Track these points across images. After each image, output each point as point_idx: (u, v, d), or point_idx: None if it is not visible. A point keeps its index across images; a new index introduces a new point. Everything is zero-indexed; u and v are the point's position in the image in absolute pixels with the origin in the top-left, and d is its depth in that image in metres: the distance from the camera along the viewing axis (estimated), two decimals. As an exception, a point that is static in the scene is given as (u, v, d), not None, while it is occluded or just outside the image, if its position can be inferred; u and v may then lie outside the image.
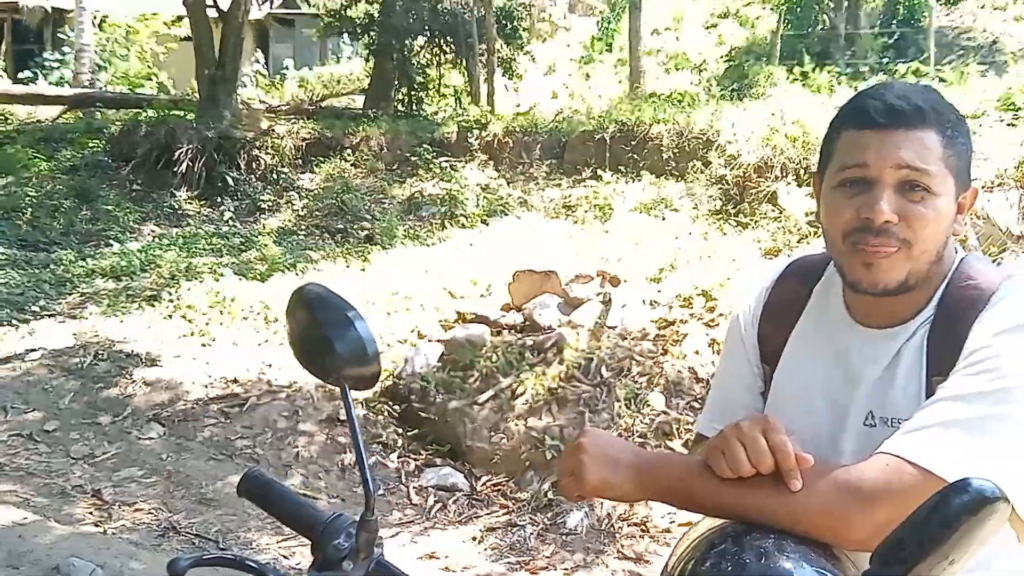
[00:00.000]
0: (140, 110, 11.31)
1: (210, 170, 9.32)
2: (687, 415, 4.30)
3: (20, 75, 15.86)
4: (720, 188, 7.55)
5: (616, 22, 15.97)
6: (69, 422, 4.66)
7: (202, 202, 9.26)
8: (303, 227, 8.59)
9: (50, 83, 15.09)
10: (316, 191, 9.32)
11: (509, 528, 4.00)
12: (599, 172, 8.56)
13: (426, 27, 12.49)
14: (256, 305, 5.97)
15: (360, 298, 5.87)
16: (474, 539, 3.94)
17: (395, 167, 9.75)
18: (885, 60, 11.92)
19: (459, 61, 12.67)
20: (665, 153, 8.32)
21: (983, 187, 5.64)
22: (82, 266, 7.18)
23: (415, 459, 4.61)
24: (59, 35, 16.68)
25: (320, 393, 4.88)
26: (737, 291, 4.86)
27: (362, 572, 0.95)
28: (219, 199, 9.28)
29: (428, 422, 4.77)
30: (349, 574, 0.94)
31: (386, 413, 4.87)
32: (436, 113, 11.86)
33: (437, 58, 12.73)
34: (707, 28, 15.43)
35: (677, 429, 4.26)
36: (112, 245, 7.94)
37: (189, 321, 5.85)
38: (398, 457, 4.60)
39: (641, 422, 4.31)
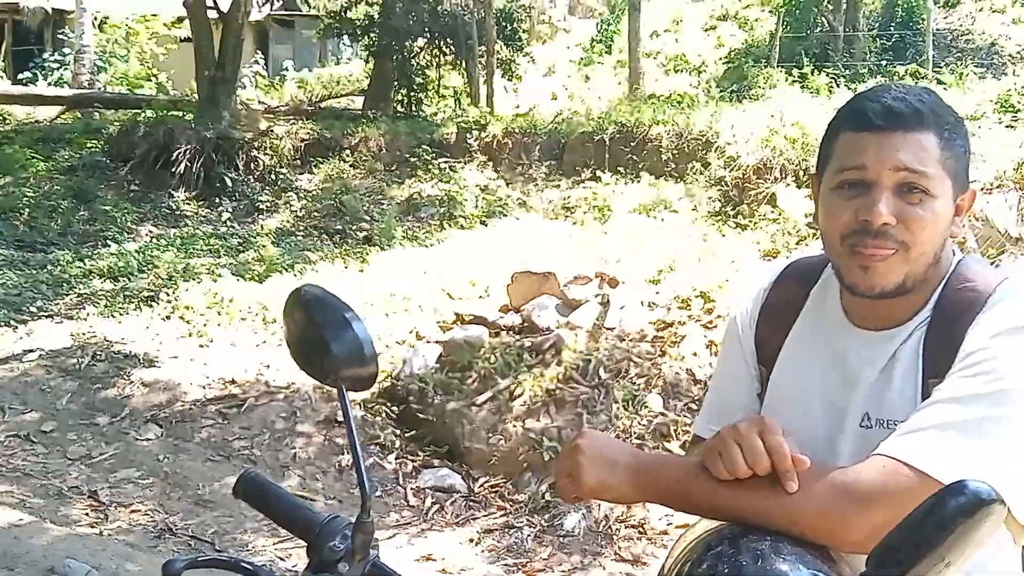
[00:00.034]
0: (139, 111, 11.30)
1: (208, 171, 9.31)
2: (685, 416, 4.30)
3: (20, 76, 15.86)
4: (719, 189, 7.55)
5: (615, 24, 15.99)
6: (66, 423, 4.65)
7: (200, 203, 9.25)
8: (301, 228, 8.59)
9: (50, 84, 15.09)
10: (315, 192, 9.32)
11: (506, 530, 4.00)
12: (598, 173, 8.56)
13: (426, 29, 12.50)
14: (254, 306, 5.97)
15: (358, 299, 5.86)
16: (471, 541, 3.94)
17: (394, 168, 9.75)
18: (883, 62, 11.93)
19: (459, 63, 12.68)
20: (664, 154, 8.32)
21: (982, 189, 5.65)
22: (80, 267, 7.17)
23: (413, 460, 4.61)
24: (59, 36, 16.68)
25: (318, 394, 4.88)
26: (736, 292, 4.87)
27: (357, 574, 0.95)
28: (217, 200, 9.26)
29: (426, 423, 4.77)
30: (344, 576, 0.94)
31: (384, 414, 4.87)
32: (435, 114, 11.86)
33: (437, 59, 12.74)
34: (706, 30, 15.45)
35: (675, 430, 4.26)
36: (110, 246, 7.93)
37: (187, 322, 5.85)
38: (396, 458, 4.60)
39: (639, 423, 4.31)
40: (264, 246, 7.66)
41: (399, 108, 12.11)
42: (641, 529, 3.86)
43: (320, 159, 9.85)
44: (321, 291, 1.02)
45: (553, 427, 4.40)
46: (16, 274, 7.00)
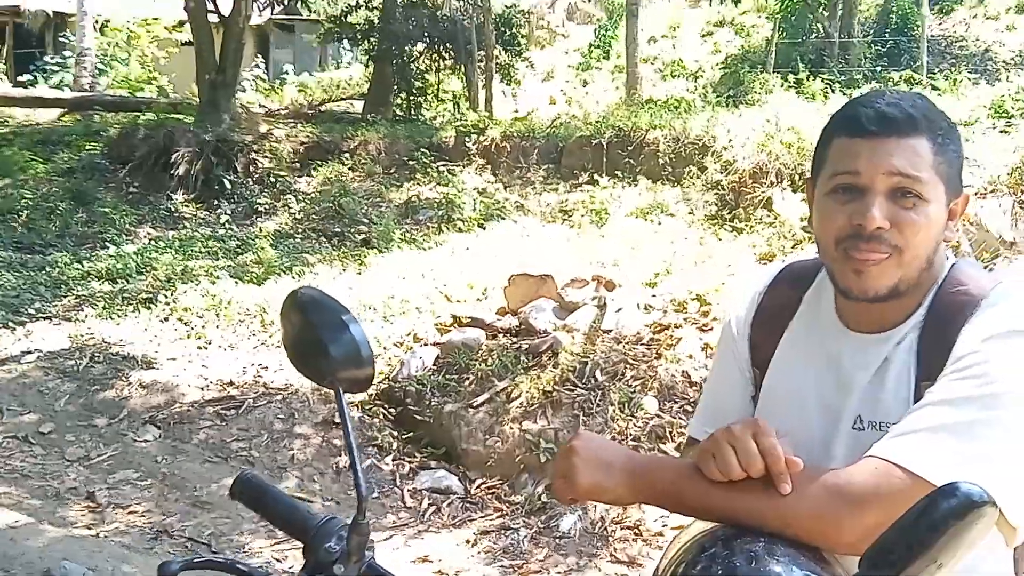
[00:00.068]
0: (139, 113, 11.30)
1: (207, 173, 9.30)
2: (680, 419, 4.31)
3: (21, 78, 15.85)
4: (716, 193, 7.56)
5: (613, 30, 16.02)
6: (64, 424, 4.65)
7: (199, 205, 9.24)
8: (300, 230, 8.59)
9: (51, 87, 15.07)
10: (313, 195, 9.32)
11: (503, 531, 4.00)
12: (596, 177, 8.57)
13: (426, 33, 12.53)
14: (252, 308, 5.97)
15: (356, 301, 5.87)
16: (468, 542, 3.94)
17: (393, 171, 9.76)
18: (878, 68, 11.97)
19: (458, 67, 12.71)
20: (661, 158, 8.34)
21: (976, 194, 5.67)
22: (78, 268, 7.17)
23: (410, 462, 4.61)
24: (60, 39, 16.67)
25: (316, 396, 4.88)
26: (731, 296, 4.87)
27: (353, 575, 0.96)
28: (216, 202, 9.26)
29: (423, 425, 4.78)
30: (339, 577, 0.95)
31: (381, 416, 4.87)
32: (435, 118, 11.88)
33: (436, 64, 12.77)
34: (703, 36, 15.50)
35: (670, 433, 4.27)
36: (108, 248, 7.93)
37: (185, 324, 5.85)
38: (393, 460, 4.60)
39: (635, 425, 4.32)
40: (262, 248, 7.66)
41: (398, 112, 12.12)
42: (636, 530, 3.87)
43: (319, 162, 9.85)
44: (318, 293, 1.03)
45: (550, 429, 4.40)
46: (14, 276, 6.99)
